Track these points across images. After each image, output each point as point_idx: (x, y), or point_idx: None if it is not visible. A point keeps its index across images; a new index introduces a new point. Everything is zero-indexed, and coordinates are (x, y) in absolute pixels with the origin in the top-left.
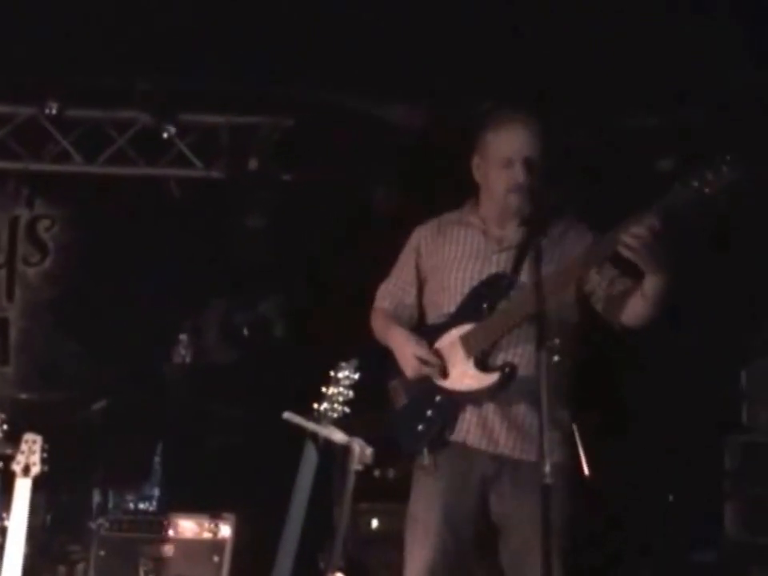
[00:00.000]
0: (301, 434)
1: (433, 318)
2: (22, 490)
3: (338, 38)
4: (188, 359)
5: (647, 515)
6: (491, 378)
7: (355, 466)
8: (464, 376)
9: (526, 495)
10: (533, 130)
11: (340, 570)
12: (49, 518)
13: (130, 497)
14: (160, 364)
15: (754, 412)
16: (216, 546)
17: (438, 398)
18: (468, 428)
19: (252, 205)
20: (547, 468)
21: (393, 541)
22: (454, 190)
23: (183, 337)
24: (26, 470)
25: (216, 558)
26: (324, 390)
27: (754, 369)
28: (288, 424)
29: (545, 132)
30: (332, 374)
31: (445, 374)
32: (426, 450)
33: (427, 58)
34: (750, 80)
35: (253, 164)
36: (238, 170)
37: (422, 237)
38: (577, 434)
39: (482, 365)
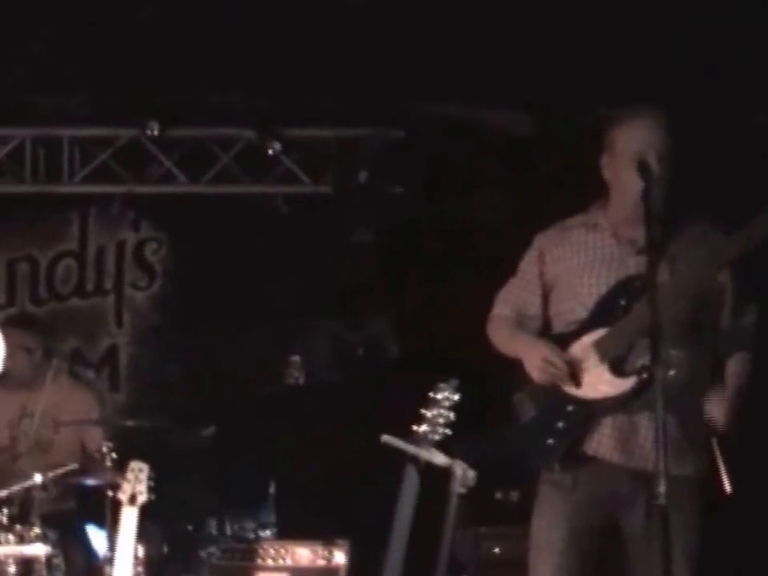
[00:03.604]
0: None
1: (561, 327)
2: (129, 518)
3: (444, 48)
4: (301, 381)
5: None
6: (628, 383)
7: (457, 489)
8: (598, 382)
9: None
10: (662, 123)
11: None
12: (164, 547)
13: (248, 524)
14: (271, 386)
15: None
16: (330, 573)
17: (569, 408)
18: (600, 440)
19: (361, 219)
20: (662, 488)
21: (516, 566)
22: (564, 197)
23: (295, 358)
24: (133, 499)
25: None
26: (424, 411)
27: None
28: (389, 447)
29: (672, 127)
30: (431, 395)
31: (577, 382)
32: (558, 466)
33: (534, 63)
34: None
35: (362, 177)
36: (347, 184)
37: (545, 243)
38: (716, 447)
39: (618, 370)
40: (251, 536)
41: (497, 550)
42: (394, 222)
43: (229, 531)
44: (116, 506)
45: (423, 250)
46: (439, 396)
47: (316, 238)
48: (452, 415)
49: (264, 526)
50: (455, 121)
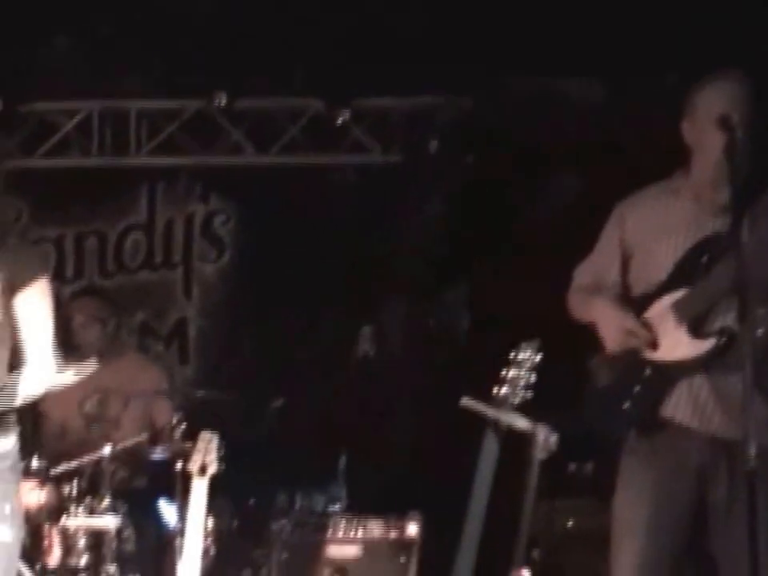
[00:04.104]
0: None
1: (640, 290)
2: (199, 489)
3: (514, 14)
4: (372, 353)
5: None
6: (706, 345)
7: (539, 454)
8: (676, 344)
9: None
10: (745, 86)
11: (525, 566)
12: (235, 521)
13: (318, 499)
14: (342, 359)
15: None
16: (403, 545)
17: (647, 372)
18: (677, 403)
19: (432, 189)
20: (752, 450)
21: (590, 541)
22: (636, 166)
23: (366, 331)
24: (203, 470)
25: (402, 559)
26: (504, 373)
27: None
28: (468, 412)
29: (756, 87)
30: (512, 355)
31: (654, 345)
32: (634, 432)
33: (606, 31)
34: None
35: (432, 147)
36: (417, 154)
37: (625, 211)
38: None
39: (696, 331)
40: (319, 509)
41: (570, 523)
42: (465, 192)
43: (299, 505)
44: (186, 478)
45: (495, 218)
46: (520, 356)
47: (386, 208)
48: (533, 376)
49: (334, 500)
50: (527, 88)
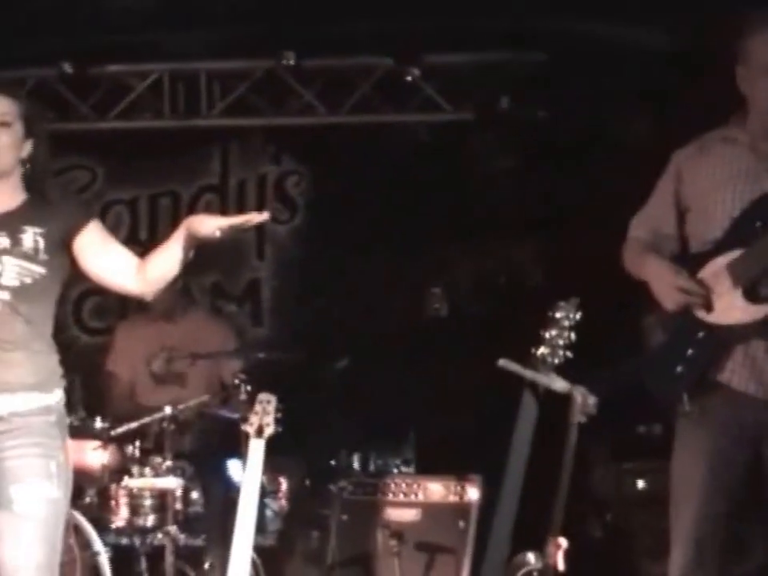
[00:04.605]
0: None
1: (696, 247)
2: (256, 451)
3: None
4: (443, 313)
5: None
6: (762, 310)
7: (577, 417)
8: (731, 308)
9: None
10: None
11: (561, 534)
12: (307, 481)
13: (392, 461)
14: (411, 319)
15: None
16: (461, 509)
17: (700, 335)
18: (733, 368)
19: (504, 146)
20: None
21: (661, 503)
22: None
23: (437, 289)
24: (260, 431)
25: (462, 523)
26: (542, 332)
27: None
28: (506, 373)
29: None
30: (550, 314)
31: (709, 306)
32: (685, 395)
33: None
34: None
35: (504, 102)
36: (489, 110)
37: (682, 160)
38: None
39: (752, 295)
40: (394, 472)
41: (640, 484)
42: (537, 148)
43: (372, 467)
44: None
45: (566, 175)
46: (558, 315)
47: (458, 166)
48: (573, 336)
49: (408, 462)
50: (599, 40)
